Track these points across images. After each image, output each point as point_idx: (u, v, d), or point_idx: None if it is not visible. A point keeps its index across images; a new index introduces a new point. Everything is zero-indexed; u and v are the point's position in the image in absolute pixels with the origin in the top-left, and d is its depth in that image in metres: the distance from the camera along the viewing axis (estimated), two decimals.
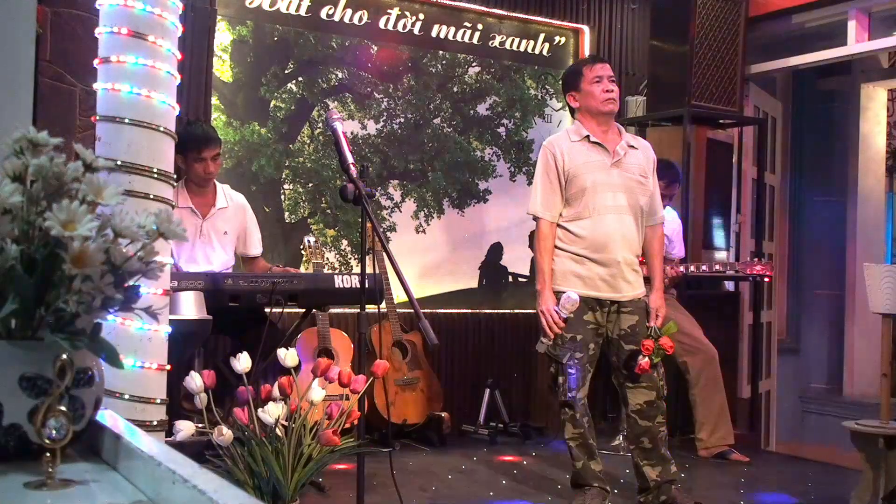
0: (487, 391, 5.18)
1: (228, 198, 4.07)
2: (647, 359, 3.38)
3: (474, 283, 5.52)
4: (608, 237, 3.46)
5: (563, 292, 3.42)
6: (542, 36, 5.70)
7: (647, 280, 3.68)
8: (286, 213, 4.93)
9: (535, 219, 3.57)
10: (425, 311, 2.97)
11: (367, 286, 2.85)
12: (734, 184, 5.87)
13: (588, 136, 3.53)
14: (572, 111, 3.67)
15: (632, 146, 3.58)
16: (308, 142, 5.00)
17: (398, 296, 4.77)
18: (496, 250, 5.59)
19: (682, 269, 4.75)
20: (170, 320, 2.71)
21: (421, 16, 5.30)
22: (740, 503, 3.88)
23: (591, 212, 3.47)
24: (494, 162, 5.56)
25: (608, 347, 3.54)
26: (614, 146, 3.53)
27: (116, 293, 1.06)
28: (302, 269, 4.59)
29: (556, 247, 3.53)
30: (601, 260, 3.46)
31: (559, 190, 3.51)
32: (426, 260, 5.32)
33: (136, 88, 2.53)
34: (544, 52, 5.72)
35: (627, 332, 3.48)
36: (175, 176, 2.71)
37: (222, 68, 4.75)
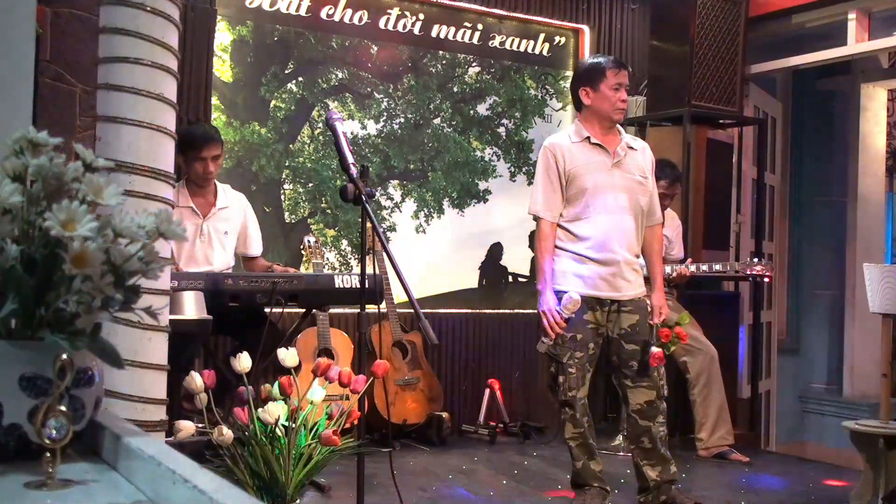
0: (487, 391, 5.18)
1: (229, 197, 4.07)
2: (660, 349, 3.39)
3: (474, 283, 5.52)
4: (609, 237, 3.47)
5: (565, 292, 3.43)
6: (542, 36, 5.70)
7: (647, 280, 3.68)
8: (286, 213, 4.93)
9: (536, 219, 3.57)
10: (425, 311, 2.97)
11: (367, 286, 2.85)
12: (734, 184, 5.87)
13: (589, 138, 3.53)
14: (578, 104, 3.65)
15: (631, 147, 3.59)
16: (308, 142, 5.00)
17: (398, 296, 4.77)
18: (496, 250, 5.59)
19: (692, 269, 4.75)
20: (170, 320, 2.71)
21: (421, 16, 5.30)
22: (740, 503, 3.88)
23: (592, 212, 3.48)
24: (494, 162, 5.56)
25: (608, 347, 3.54)
26: (615, 147, 3.54)
27: (116, 293, 1.06)
28: (302, 269, 4.59)
29: (557, 247, 3.53)
30: (602, 260, 3.47)
31: (560, 190, 3.52)
32: (426, 260, 5.32)
33: (136, 88, 2.52)
34: (544, 52, 5.72)
35: (628, 331, 3.48)
36: (175, 176, 2.71)
37: (222, 68, 4.75)
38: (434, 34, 5.36)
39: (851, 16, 5.36)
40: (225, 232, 4.01)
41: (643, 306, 3.53)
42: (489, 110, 5.55)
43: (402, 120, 5.28)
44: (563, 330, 3.43)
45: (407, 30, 5.27)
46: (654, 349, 3.40)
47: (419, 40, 5.31)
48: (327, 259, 4.92)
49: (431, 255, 5.35)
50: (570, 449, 3.50)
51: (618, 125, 3.64)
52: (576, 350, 3.44)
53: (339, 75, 5.10)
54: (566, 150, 3.53)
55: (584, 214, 3.49)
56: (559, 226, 3.54)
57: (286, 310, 3.59)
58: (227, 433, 2.37)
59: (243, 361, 2.47)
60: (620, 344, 3.49)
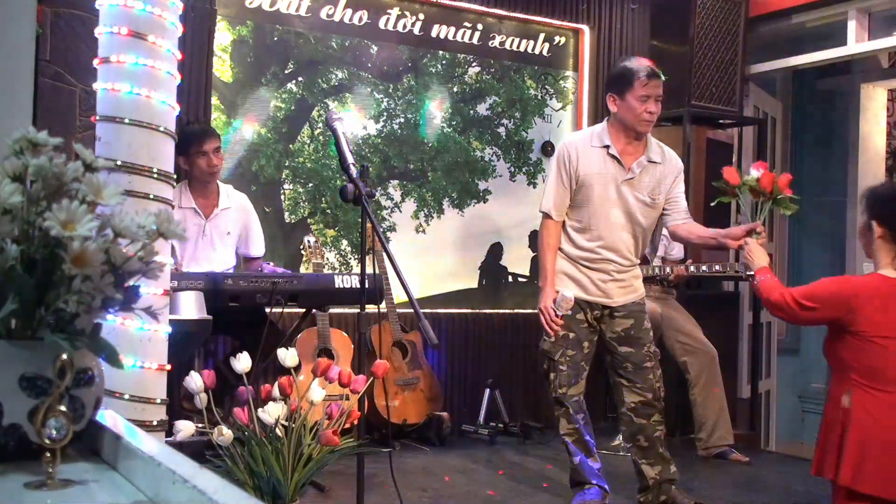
0: (487, 391, 5.18)
1: (231, 198, 4.08)
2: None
3: (474, 283, 5.51)
4: (606, 250, 3.48)
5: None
6: (542, 36, 5.70)
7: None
8: (286, 213, 4.93)
9: (543, 215, 3.55)
10: (425, 311, 2.97)
11: (367, 286, 2.85)
12: None
13: (608, 147, 3.48)
14: (606, 109, 3.58)
15: (652, 161, 3.51)
16: (308, 142, 5.00)
17: (398, 296, 4.77)
18: (496, 250, 5.59)
19: (692, 269, 4.75)
20: (170, 320, 2.71)
21: (421, 16, 5.30)
22: (740, 503, 3.88)
23: (592, 225, 3.48)
24: (494, 162, 5.56)
25: (602, 347, 3.55)
26: (632, 162, 3.48)
27: (116, 293, 1.06)
28: (302, 269, 4.59)
29: None
30: (595, 268, 3.49)
31: (569, 191, 3.51)
32: (426, 260, 5.32)
33: (136, 88, 2.53)
34: (544, 52, 5.71)
35: (621, 335, 3.50)
36: (175, 176, 2.71)
37: (222, 68, 4.75)
38: (434, 34, 5.35)
39: (851, 16, 5.36)
40: (227, 232, 4.02)
41: (637, 310, 3.54)
42: (489, 110, 5.55)
43: (402, 120, 5.28)
44: (561, 328, 3.44)
45: (407, 30, 5.26)
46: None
47: (419, 40, 5.31)
48: (327, 259, 4.92)
49: (431, 254, 5.35)
50: (567, 445, 3.52)
51: (648, 136, 3.53)
52: (568, 348, 3.46)
53: (339, 75, 5.10)
54: (582, 152, 3.50)
55: (585, 225, 3.50)
56: (562, 228, 3.54)
57: (286, 310, 3.59)
58: (227, 433, 2.37)
59: (243, 361, 2.47)
60: (614, 346, 3.51)
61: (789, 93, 6.92)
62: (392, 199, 5.24)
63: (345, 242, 5.07)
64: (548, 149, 5.62)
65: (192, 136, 3.90)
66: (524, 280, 5.63)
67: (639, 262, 3.62)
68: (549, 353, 3.49)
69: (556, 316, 3.43)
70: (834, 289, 2.95)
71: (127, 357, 2.46)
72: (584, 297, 3.49)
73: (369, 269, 2.85)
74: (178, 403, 3.39)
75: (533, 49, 5.68)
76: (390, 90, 5.25)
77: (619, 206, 3.48)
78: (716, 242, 3.56)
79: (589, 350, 3.51)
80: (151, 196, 2.52)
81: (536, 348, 3.61)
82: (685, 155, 5.23)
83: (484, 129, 5.54)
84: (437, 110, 5.40)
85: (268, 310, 3.47)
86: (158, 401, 2.59)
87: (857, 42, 5.36)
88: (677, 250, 5.00)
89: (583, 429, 3.49)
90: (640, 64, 3.45)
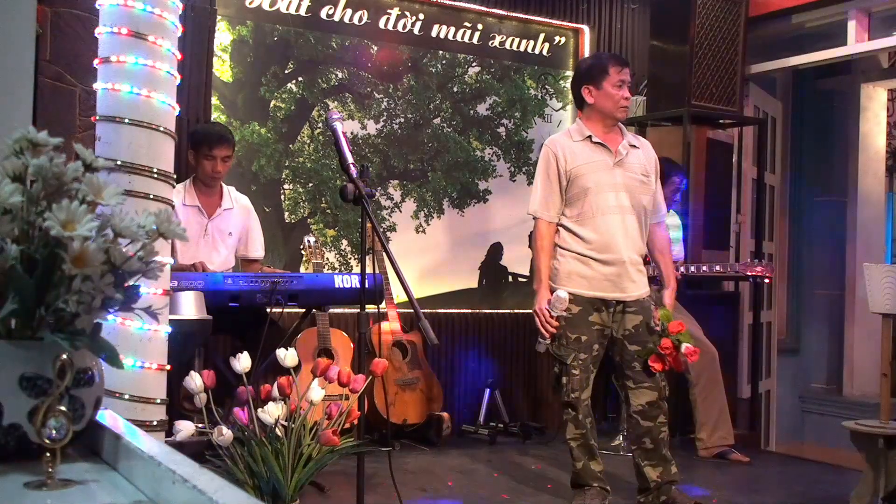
0: (487, 391, 5.18)
1: (234, 200, 4.12)
2: (661, 358, 3.41)
3: (474, 283, 5.51)
4: (613, 237, 3.46)
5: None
6: (542, 36, 5.70)
7: (652, 280, 3.68)
8: (286, 213, 4.93)
9: (535, 218, 3.56)
10: (425, 311, 2.97)
11: (366, 286, 2.85)
12: (734, 184, 5.87)
13: (591, 137, 3.52)
14: (580, 103, 3.63)
15: (633, 145, 3.58)
16: (308, 142, 5.00)
17: (398, 296, 4.77)
18: (496, 250, 5.59)
19: (681, 271, 4.74)
20: (170, 320, 2.71)
21: (421, 16, 5.30)
22: (740, 503, 3.88)
23: (595, 212, 3.47)
24: (494, 162, 5.56)
25: (612, 347, 3.53)
26: (616, 145, 3.52)
27: (116, 293, 1.06)
28: (302, 269, 4.59)
29: (560, 248, 3.52)
30: (606, 260, 3.46)
31: (559, 190, 3.51)
32: (426, 260, 5.32)
33: (136, 88, 2.53)
34: (544, 52, 5.72)
35: (632, 332, 3.48)
36: (175, 176, 2.71)
37: (222, 68, 4.75)
38: (434, 34, 5.35)
39: (851, 16, 5.36)
40: (229, 233, 4.05)
41: (647, 306, 3.53)
42: (489, 110, 5.55)
43: (402, 120, 5.28)
44: (557, 329, 3.43)
45: (407, 30, 5.26)
46: (656, 359, 3.42)
47: (419, 40, 5.31)
48: (327, 259, 4.92)
49: (431, 254, 5.35)
50: (571, 449, 3.50)
51: (620, 124, 3.63)
52: (580, 352, 3.44)
53: (339, 75, 5.10)
54: (567, 149, 3.52)
55: (587, 215, 3.48)
56: (564, 227, 3.53)
57: (286, 310, 3.59)
58: (227, 433, 2.37)
59: (243, 361, 2.47)
60: (624, 345, 3.49)
61: (789, 93, 6.92)
62: (392, 199, 5.24)
63: (345, 242, 5.07)
64: None
65: (206, 137, 3.97)
66: (524, 280, 5.63)
67: (645, 254, 3.62)
68: (561, 357, 3.47)
69: (551, 317, 3.42)
70: None
71: (127, 357, 2.46)
72: (597, 294, 3.46)
73: (369, 269, 2.85)
74: (178, 403, 3.39)
75: (533, 49, 5.68)
76: (390, 90, 5.25)
77: (618, 188, 3.48)
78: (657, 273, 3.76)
79: (598, 353, 3.49)
80: (151, 196, 2.52)
81: (537, 350, 3.59)
82: (685, 155, 5.23)
83: (484, 129, 5.54)
84: (436, 110, 5.40)
85: (269, 309, 3.47)
86: (158, 401, 2.59)
87: (857, 42, 5.36)
88: (677, 250, 5.00)
89: (589, 433, 3.47)
90: (609, 54, 3.59)
